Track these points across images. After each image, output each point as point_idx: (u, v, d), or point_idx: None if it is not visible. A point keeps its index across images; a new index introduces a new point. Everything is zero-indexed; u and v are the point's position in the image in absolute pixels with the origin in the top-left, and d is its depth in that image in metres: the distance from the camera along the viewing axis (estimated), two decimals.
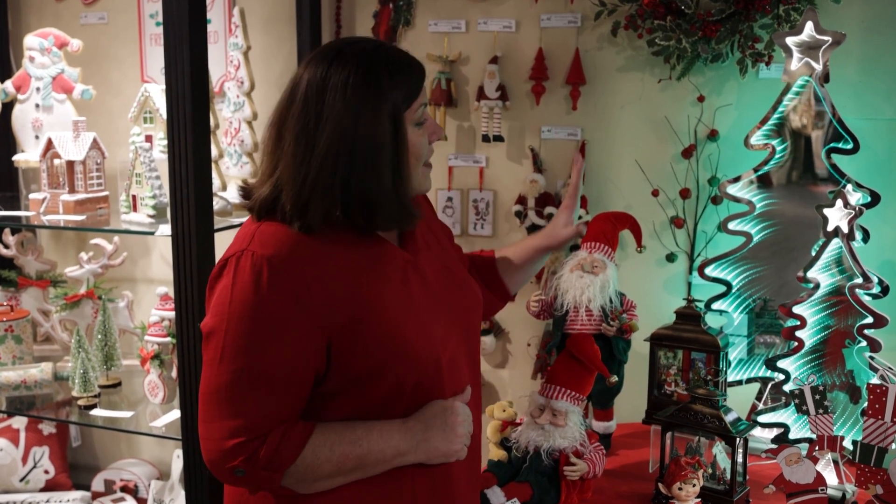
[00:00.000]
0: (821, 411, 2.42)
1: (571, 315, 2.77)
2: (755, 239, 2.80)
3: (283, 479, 1.55)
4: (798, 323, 2.61)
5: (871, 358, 2.60)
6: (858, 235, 2.61)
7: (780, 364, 2.66)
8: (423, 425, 1.62)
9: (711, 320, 2.82)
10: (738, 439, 2.34)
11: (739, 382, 2.89)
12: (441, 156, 3.35)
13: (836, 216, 2.53)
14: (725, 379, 2.71)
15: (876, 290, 2.60)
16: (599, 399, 2.81)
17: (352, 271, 1.58)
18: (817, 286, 2.58)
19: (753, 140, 2.76)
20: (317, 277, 1.54)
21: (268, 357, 1.53)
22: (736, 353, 2.88)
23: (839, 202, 2.52)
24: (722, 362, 2.66)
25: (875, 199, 2.62)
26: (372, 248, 1.64)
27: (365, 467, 1.59)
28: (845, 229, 2.53)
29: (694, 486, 2.30)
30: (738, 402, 2.84)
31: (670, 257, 3.11)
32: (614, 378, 2.52)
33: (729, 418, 2.37)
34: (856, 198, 2.59)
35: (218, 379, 1.54)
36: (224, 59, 3.44)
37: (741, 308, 2.86)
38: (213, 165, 3.13)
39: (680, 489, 2.30)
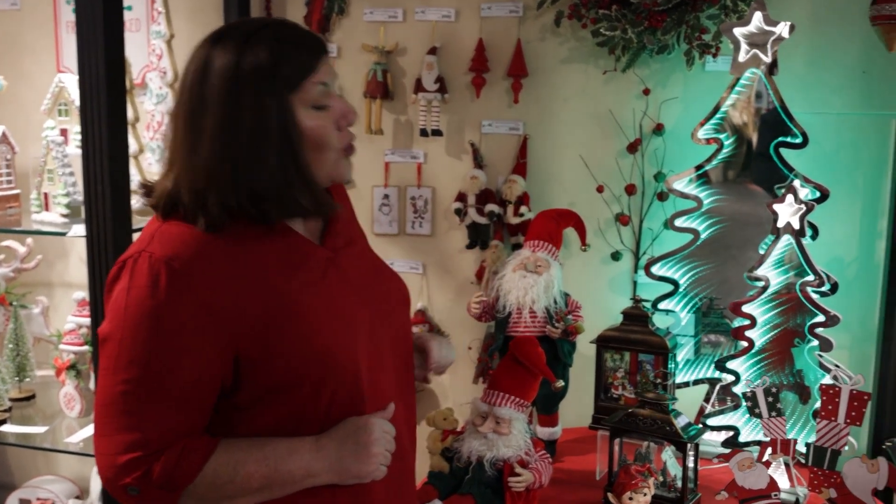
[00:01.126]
0: (774, 414, 2.33)
1: (514, 317, 2.66)
2: (703, 236, 2.71)
3: (180, 499, 1.43)
4: (748, 322, 2.52)
5: (820, 356, 2.53)
6: (808, 232, 2.54)
7: (730, 365, 2.57)
8: (336, 444, 1.49)
9: (658, 320, 2.73)
10: (688, 445, 2.25)
11: (687, 384, 2.80)
12: (377, 151, 3.21)
13: (787, 212, 2.45)
14: (674, 381, 2.62)
15: (826, 287, 2.53)
16: (544, 404, 2.70)
17: (262, 273, 1.46)
18: (767, 284, 2.49)
19: (700, 134, 2.67)
20: (222, 281, 1.43)
21: (165, 367, 1.41)
22: (683, 353, 2.79)
23: (790, 198, 2.44)
24: (671, 364, 2.57)
25: (824, 194, 2.55)
26: (286, 246, 1.52)
27: (272, 487, 1.46)
28: (796, 226, 2.44)
29: (645, 495, 2.20)
30: (685, 403, 2.75)
31: (615, 256, 3.01)
32: (560, 383, 2.41)
33: (679, 423, 2.28)
34: (804, 193, 2.52)
35: (112, 389, 1.42)
36: (146, 49, 3.25)
37: (688, 307, 2.77)
38: (133, 161, 2.95)
39: (630, 499, 2.20)
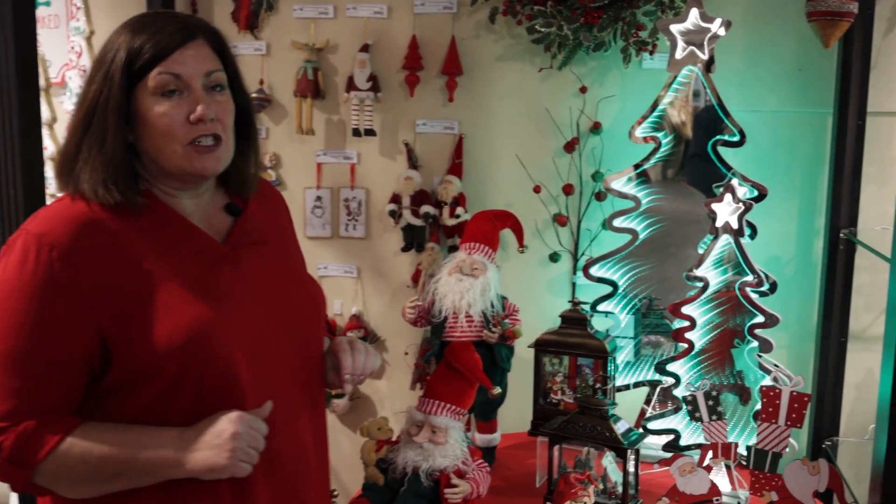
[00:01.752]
0: (714, 417, 2.29)
1: (450, 321, 2.59)
2: (641, 236, 2.66)
3: (34, 476, 1.42)
4: (687, 324, 2.48)
5: (760, 356, 2.50)
6: (746, 231, 2.51)
7: (670, 368, 2.53)
8: (196, 437, 1.45)
9: (597, 323, 2.68)
10: (628, 451, 2.19)
11: (627, 387, 2.75)
12: (309, 152, 3.12)
13: (725, 211, 2.41)
14: (614, 385, 2.57)
15: (765, 287, 2.50)
16: (482, 410, 2.63)
17: (138, 258, 1.46)
18: (706, 285, 2.45)
19: (637, 133, 2.62)
20: (94, 261, 1.43)
21: (29, 343, 1.41)
22: (623, 355, 2.74)
23: (728, 197, 2.40)
24: (610, 368, 2.52)
25: (761, 193, 2.52)
26: (174, 236, 1.52)
27: (130, 475, 1.44)
28: (734, 225, 2.41)
29: (585, 503, 2.14)
30: (626, 407, 2.71)
31: (554, 257, 2.95)
32: (497, 390, 2.34)
33: (619, 429, 2.22)
34: (742, 192, 2.49)
35: None
36: (65, 46, 3.11)
37: (627, 308, 2.72)
38: (50, 163, 2.81)
39: None
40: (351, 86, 2.98)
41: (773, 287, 2.53)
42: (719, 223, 2.42)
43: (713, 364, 2.55)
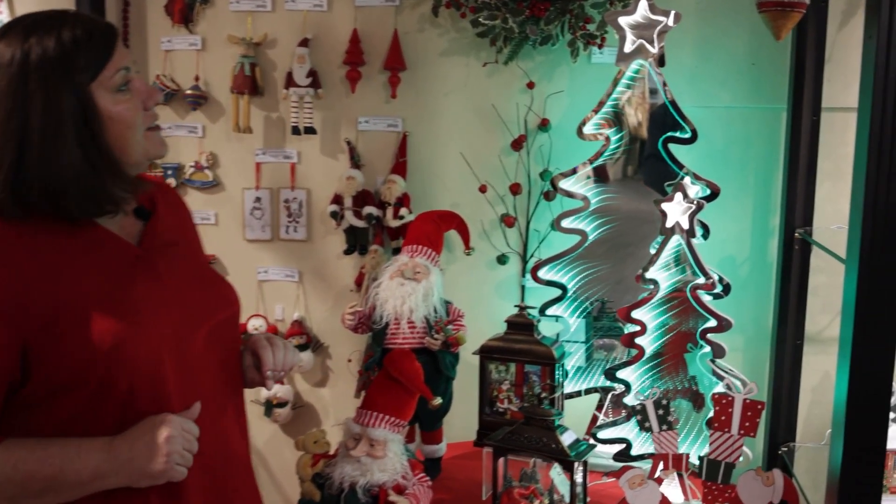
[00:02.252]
0: (665, 427, 2.20)
1: (392, 328, 2.48)
2: (591, 237, 2.56)
3: None
4: (638, 328, 2.38)
5: (713, 362, 2.40)
6: (699, 231, 2.42)
7: (620, 374, 2.43)
8: (128, 444, 1.44)
9: (547, 327, 2.57)
10: (576, 464, 2.09)
11: (579, 393, 2.65)
12: (247, 151, 2.98)
13: (676, 211, 2.31)
14: (562, 394, 2.47)
15: (718, 289, 2.41)
16: (426, 420, 2.52)
17: (56, 268, 1.45)
18: (657, 288, 2.35)
19: (586, 130, 2.51)
20: (11, 273, 1.41)
21: None
22: (574, 360, 2.64)
23: (678, 196, 2.30)
24: (558, 374, 2.41)
25: (714, 191, 2.43)
26: (89, 243, 1.50)
27: (59, 490, 1.42)
28: (685, 225, 2.31)
29: None
30: (578, 413, 2.61)
31: (501, 259, 2.84)
32: (437, 400, 2.23)
33: (566, 440, 2.12)
34: (694, 190, 2.39)
35: None
36: None
37: (578, 312, 2.62)
38: None
39: None
40: (290, 82, 2.84)
41: (727, 289, 2.44)
42: (670, 223, 2.32)
43: (666, 369, 2.46)
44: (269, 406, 2.97)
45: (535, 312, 2.53)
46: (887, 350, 1.84)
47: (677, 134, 2.46)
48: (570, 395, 2.62)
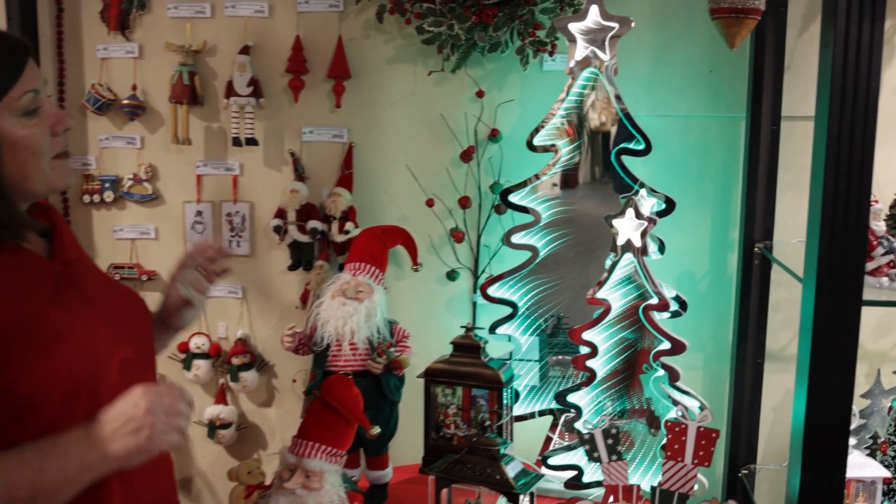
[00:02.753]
0: (614, 458, 2.08)
1: (334, 350, 2.37)
2: (541, 253, 2.45)
3: None
4: (589, 351, 2.27)
5: (675, 386, 2.29)
6: (654, 247, 2.31)
7: (571, 398, 2.31)
8: (108, 426, 1.40)
9: (498, 347, 2.46)
10: (521, 496, 1.98)
11: (532, 415, 2.54)
12: (187, 163, 2.85)
13: (628, 228, 2.20)
14: (511, 419, 2.36)
15: (675, 306, 2.31)
16: (371, 444, 2.41)
17: None
18: (608, 309, 2.24)
19: (536, 141, 2.40)
20: None
21: None
22: (527, 379, 2.53)
23: (630, 212, 2.19)
24: (507, 399, 2.30)
25: (670, 205, 2.32)
26: (12, 261, 1.45)
27: (46, 493, 1.36)
28: (637, 243, 2.20)
29: None
30: (531, 434, 2.51)
31: (451, 275, 2.72)
32: (376, 430, 2.11)
33: (511, 471, 2.02)
34: (650, 204, 2.28)
35: None
36: None
37: (531, 329, 2.51)
38: None
39: None
40: (230, 91, 2.72)
41: (684, 306, 2.34)
42: (621, 241, 2.21)
43: (621, 390, 2.35)
44: (213, 427, 2.85)
45: (484, 333, 2.42)
46: (846, 372, 1.75)
47: (631, 145, 2.35)
48: (523, 418, 2.51)
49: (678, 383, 2.30)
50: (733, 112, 2.57)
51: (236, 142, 2.74)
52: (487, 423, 2.16)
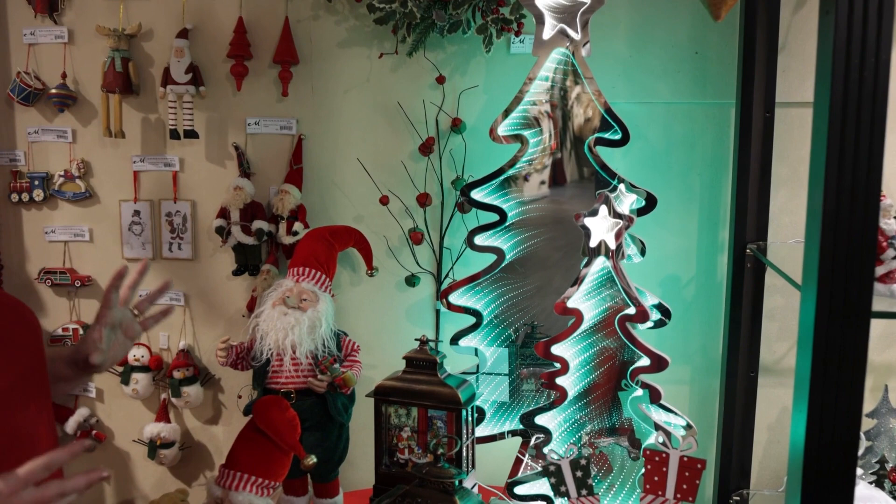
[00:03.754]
0: (584, 493, 1.82)
1: (274, 365, 2.13)
2: (508, 256, 2.19)
3: None
4: (559, 367, 2.01)
5: (660, 406, 2.04)
6: (633, 249, 2.06)
7: (539, 420, 2.05)
8: None
9: (464, 361, 2.21)
10: None
11: (502, 435, 2.28)
12: (122, 157, 2.59)
13: (601, 228, 1.95)
14: (473, 442, 2.10)
15: (656, 315, 2.05)
16: (319, 470, 2.16)
17: None
18: (580, 319, 1.98)
19: (500, 131, 2.14)
20: None
21: None
22: (495, 395, 2.27)
23: (603, 210, 1.93)
24: (467, 420, 2.04)
25: (651, 202, 2.06)
26: None
27: None
28: (612, 245, 1.94)
29: None
30: (501, 453, 2.25)
31: (410, 280, 2.46)
32: (311, 460, 1.87)
33: None
34: (629, 201, 2.03)
35: None
36: None
37: (498, 340, 2.25)
38: None
39: None
40: (167, 79, 2.46)
41: (667, 315, 2.08)
42: (594, 242, 1.95)
43: (595, 410, 2.10)
44: (153, 446, 2.59)
45: (440, 346, 2.16)
46: (853, 391, 1.49)
47: (607, 135, 2.09)
48: (490, 438, 2.25)
49: (661, 401, 2.05)
50: (722, 98, 2.31)
51: (174, 134, 2.49)
52: (441, 451, 1.90)
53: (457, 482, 1.80)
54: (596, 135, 2.10)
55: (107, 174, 2.62)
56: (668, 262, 2.35)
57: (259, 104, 2.50)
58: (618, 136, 2.08)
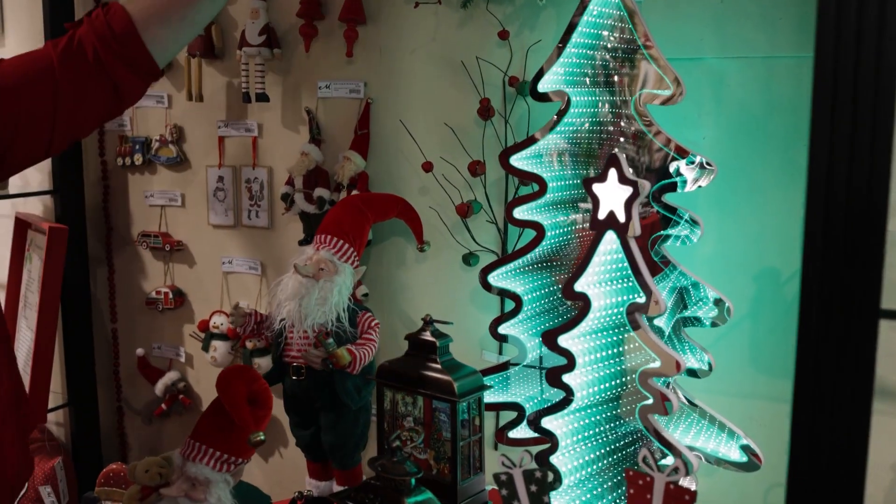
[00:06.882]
0: None
1: (288, 336, 1.99)
2: (549, 233, 1.91)
3: None
4: (565, 363, 1.71)
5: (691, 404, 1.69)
6: (688, 229, 1.72)
7: (546, 423, 1.75)
8: None
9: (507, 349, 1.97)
10: None
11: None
12: (209, 122, 2.57)
13: (612, 197, 1.63)
14: (480, 440, 1.84)
15: (713, 312, 1.70)
16: (340, 455, 2.02)
17: None
18: (587, 306, 1.67)
19: (542, 86, 1.86)
20: None
21: None
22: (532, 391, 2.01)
23: (612, 175, 1.61)
24: (465, 415, 1.80)
25: (707, 169, 1.71)
26: None
27: None
28: (621, 217, 1.62)
29: None
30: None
31: (468, 259, 2.22)
32: (258, 437, 1.70)
33: None
34: (680, 166, 1.69)
35: None
36: None
37: (537, 330, 1.98)
38: None
39: None
40: (243, 41, 2.40)
41: (728, 312, 1.72)
42: (602, 214, 1.64)
43: (625, 412, 1.76)
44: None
45: (439, 326, 1.92)
46: None
47: (657, 91, 1.76)
48: (524, 442, 1.98)
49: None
50: (800, 52, 1.87)
51: (246, 97, 2.42)
52: (397, 444, 1.67)
53: (412, 481, 1.58)
54: (644, 90, 1.77)
55: (196, 139, 2.61)
56: (767, 252, 1.94)
57: (329, 67, 2.37)
58: (667, 93, 1.74)
